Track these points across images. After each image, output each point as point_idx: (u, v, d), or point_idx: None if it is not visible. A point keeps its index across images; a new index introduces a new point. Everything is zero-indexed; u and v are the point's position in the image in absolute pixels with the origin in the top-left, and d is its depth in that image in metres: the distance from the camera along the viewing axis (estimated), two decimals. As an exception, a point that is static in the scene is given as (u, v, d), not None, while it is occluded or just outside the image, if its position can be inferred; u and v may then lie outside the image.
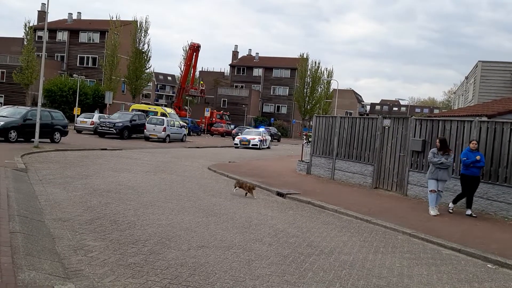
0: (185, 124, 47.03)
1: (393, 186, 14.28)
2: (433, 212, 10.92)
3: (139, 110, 42.41)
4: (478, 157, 10.71)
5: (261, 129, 40.78)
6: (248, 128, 45.95)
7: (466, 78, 29.27)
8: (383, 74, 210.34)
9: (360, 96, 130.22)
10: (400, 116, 14.70)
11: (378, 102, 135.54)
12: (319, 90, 74.83)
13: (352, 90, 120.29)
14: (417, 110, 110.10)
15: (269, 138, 39.36)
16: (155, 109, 46.17)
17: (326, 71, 74.46)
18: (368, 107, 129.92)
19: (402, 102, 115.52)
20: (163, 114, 43.49)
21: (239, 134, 41.56)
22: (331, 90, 76.93)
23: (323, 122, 17.61)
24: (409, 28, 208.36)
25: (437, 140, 11.33)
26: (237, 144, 35.40)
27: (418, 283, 6.07)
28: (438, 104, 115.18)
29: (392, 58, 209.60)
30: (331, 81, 73.19)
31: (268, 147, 37.57)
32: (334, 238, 8.21)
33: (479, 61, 24.34)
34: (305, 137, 28.39)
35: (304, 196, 12.41)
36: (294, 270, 6.09)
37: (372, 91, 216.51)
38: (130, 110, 44.34)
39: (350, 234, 8.64)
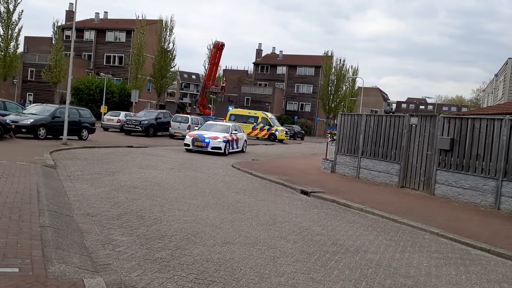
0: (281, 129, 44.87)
1: (420, 185, 14.06)
2: None
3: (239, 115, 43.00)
4: None
5: (230, 124, 26.27)
6: (215, 121, 31.02)
7: (496, 75, 28.54)
8: (406, 71, 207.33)
9: (386, 94, 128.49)
10: (428, 114, 14.45)
11: (403, 100, 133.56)
12: (344, 88, 74.18)
13: (378, 88, 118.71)
14: (445, 108, 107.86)
15: (243, 136, 26.21)
16: (256, 113, 45.19)
17: (351, 68, 73.75)
18: (394, 105, 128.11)
19: (429, 100, 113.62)
20: (264, 119, 43.54)
21: (196, 128, 28.22)
22: (356, 88, 76.18)
23: (348, 120, 17.44)
24: (430, 25, 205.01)
25: None
26: (188, 145, 22.36)
27: (447, 283, 5.95)
28: (466, 102, 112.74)
29: (414, 55, 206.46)
30: (356, 79, 72.52)
31: (242, 150, 25.44)
32: (359, 236, 8.12)
33: (509, 58, 23.73)
34: (329, 135, 28.05)
35: (329, 194, 12.32)
36: (320, 268, 6.05)
37: (395, 89, 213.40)
38: (228, 115, 44.67)
39: (376, 233, 8.54)
